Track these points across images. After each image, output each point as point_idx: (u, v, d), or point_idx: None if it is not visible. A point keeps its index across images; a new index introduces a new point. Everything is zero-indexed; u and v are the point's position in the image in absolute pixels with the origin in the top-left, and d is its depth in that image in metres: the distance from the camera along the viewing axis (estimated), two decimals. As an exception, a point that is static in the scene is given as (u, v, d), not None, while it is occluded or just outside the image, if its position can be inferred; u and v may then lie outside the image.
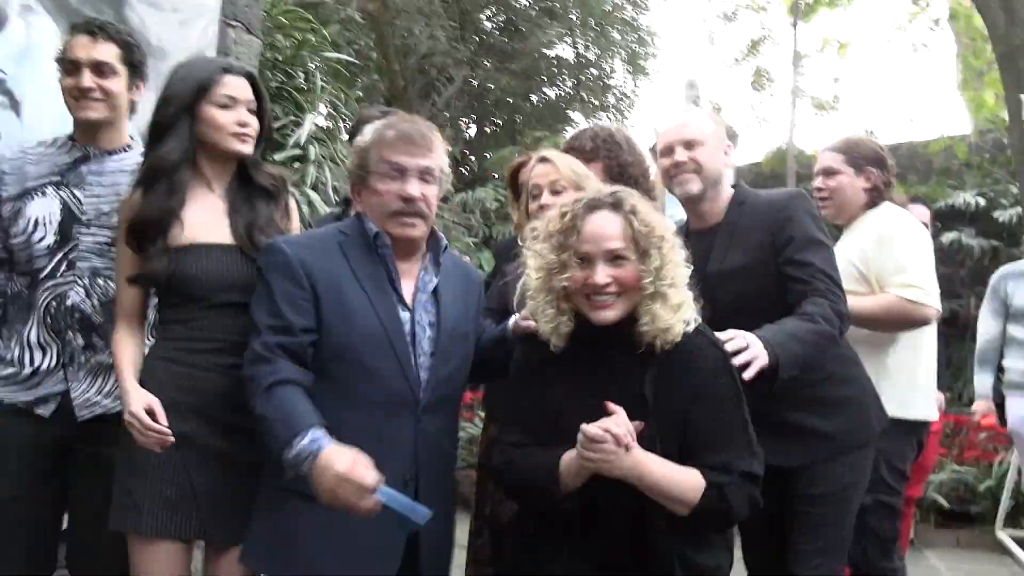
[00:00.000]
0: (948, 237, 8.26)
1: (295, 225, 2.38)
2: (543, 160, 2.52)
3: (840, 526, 2.42)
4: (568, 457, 1.80)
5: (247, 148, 2.20)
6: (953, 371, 8.20)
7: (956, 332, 8.39)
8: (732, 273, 2.23)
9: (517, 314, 2.18)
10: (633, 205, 1.84)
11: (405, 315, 1.99)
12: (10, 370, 2.29)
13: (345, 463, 1.70)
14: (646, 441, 1.77)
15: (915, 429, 2.96)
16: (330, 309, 1.90)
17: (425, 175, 1.97)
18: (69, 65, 2.31)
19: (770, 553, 2.50)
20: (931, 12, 13.10)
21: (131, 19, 3.16)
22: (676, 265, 1.83)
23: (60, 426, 2.27)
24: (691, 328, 1.85)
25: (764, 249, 2.34)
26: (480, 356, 2.16)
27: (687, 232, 2.50)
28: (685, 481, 1.78)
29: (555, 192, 2.44)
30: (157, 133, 2.17)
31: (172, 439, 1.97)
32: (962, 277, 8.66)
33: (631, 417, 1.77)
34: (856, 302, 2.61)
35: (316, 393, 1.88)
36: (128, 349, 2.13)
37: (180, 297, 2.12)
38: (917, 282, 2.74)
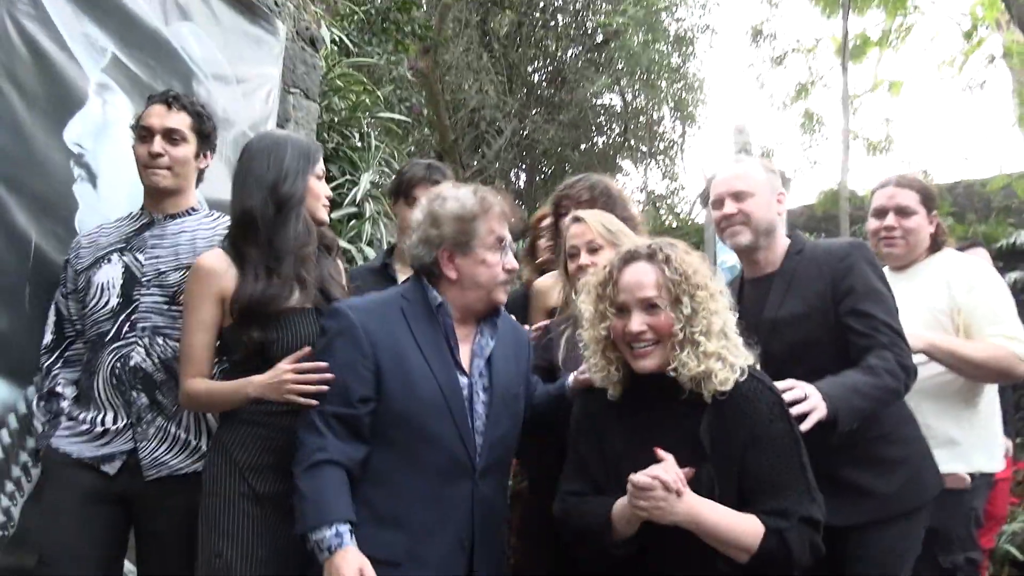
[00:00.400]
0: (1011, 277, 8.05)
1: (341, 274, 2.45)
2: (577, 220, 2.56)
3: None
4: (620, 504, 1.84)
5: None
6: (1023, 416, 7.94)
7: (1024, 375, 8.14)
8: (789, 321, 2.21)
9: (565, 370, 2.22)
10: (667, 255, 1.90)
11: (463, 380, 2.05)
12: (83, 427, 2.36)
13: (351, 572, 1.77)
14: (704, 487, 1.80)
15: (993, 481, 2.90)
16: (392, 376, 1.96)
17: (509, 247, 2.09)
18: (143, 132, 2.45)
19: None
20: (985, 49, 12.96)
21: (199, 93, 3.32)
22: (711, 313, 1.87)
23: (127, 481, 2.33)
24: (744, 375, 1.87)
25: (823, 298, 2.32)
26: (539, 414, 2.20)
27: (742, 281, 2.51)
28: (742, 526, 1.79)
29: (592, 251, 2.49)
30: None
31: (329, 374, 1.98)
32: (1027, 318, 8.43)
33: (689, 463, 1.80)
34: (960, 348, 2.60)
35: (377, 456, 1.95)
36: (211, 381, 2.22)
37: (261, 360, 2.16)
38: (1018, 334, 2.69)
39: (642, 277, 1.90)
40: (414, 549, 1.91)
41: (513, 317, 2.39)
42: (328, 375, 1.96)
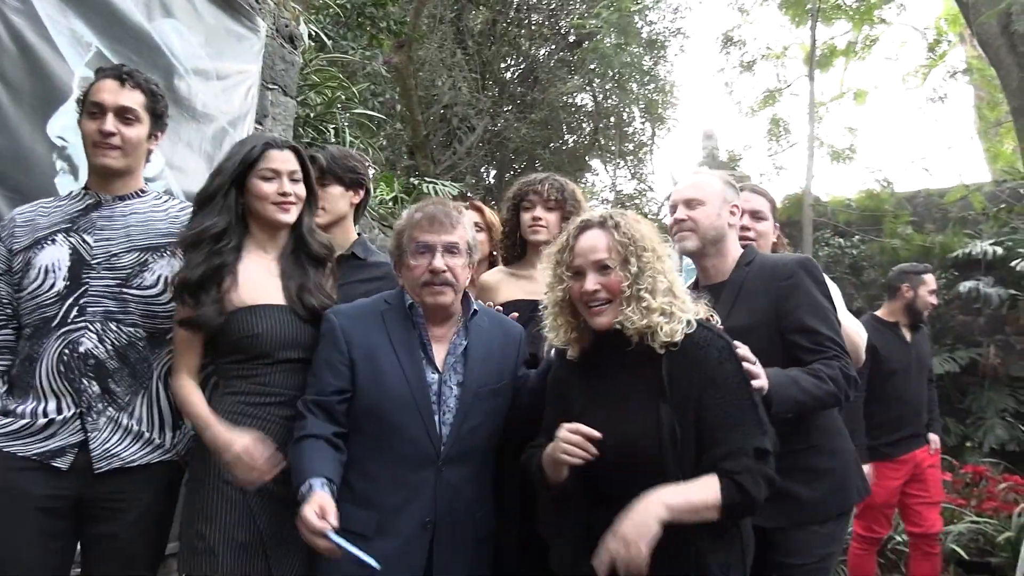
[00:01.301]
0: (966, 286, 8.31)
1: (331, 285, 2.51)
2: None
3: None
4: (548, 450, 2.03)
5: (287, 216, 2.37)
6: (973, 420, 8.20)
7: (976, 380, 8.41)
8: (736, 332, 2.24)
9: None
10: (617, 222, 2.08)
11: (433, 376, 2.25)
12: (22, 422, 2.22)
13: (308, 511, 1.97)
14: (665, 429, 1.94)
15: None
16: (364, 373, 2.21)
17: (451, 249, 2.25)
18: (93, 108, 2.29)
19: None
20: (949, 62, 13.28)
21: (180, 88, 3.36)
22: (657, 272, 2.04)
23: (75, 479, 2.22)
24: (693, 327, 2.03)
25: (767, 313, 2.41)
26: (531, 404, 2.31)
27: (696, 287, 2.62)
28: (703, 489, 1.88)
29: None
30: (202, 203, 2.34)
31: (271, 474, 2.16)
32: (980, 325, 8.68)
33: (646, 407, 1.97)
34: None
35: (352, 445, 2.20)
36: (199, 395, 2.28)
37: (244, 354, 2.28)
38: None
39: (595, 242, 2.07)
40: (383, 525, 2.15)
41: (506, 318, 2.53)
42: (276, 469, 2.17)
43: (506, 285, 3.00)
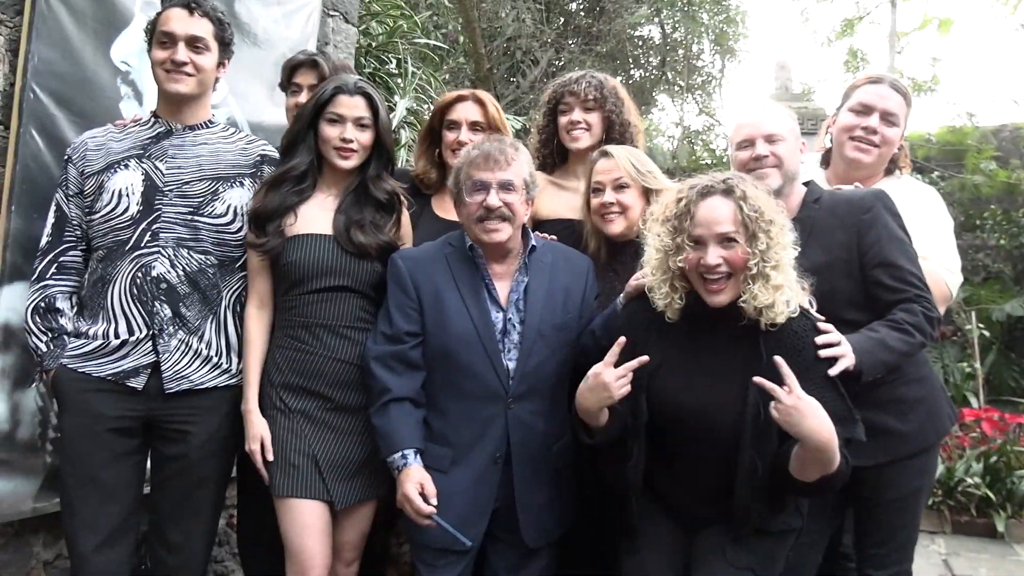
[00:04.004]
0: (1052, 223, 7.91)
1: (404, 233, 2.54)
2: (605, 155, 2.56)
3: (913, 527, 2.46)
4: (579, 392, 2.04)
5: (346, 163, 2.38)
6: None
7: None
8: (811, 270, 2.16)
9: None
10: (744, 191, 1.96)
11: (497, 315, 2.28)
12: (95, 343, 2.30)
13: (412, 491, 2.14)
14: (750, 409, 1.90)
15: None
16: (431, 315, 2.26)
17: (506, 186, 2.23)
18: (163, 38, 2.33)
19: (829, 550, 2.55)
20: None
21: (240, 12, 3.33)
22: (782, 248, 1.94)
23: (146, 400, 2.31)
24: (796, 312, 1.96)
25: (848, 249, 2.32)
26: (599, 338, 2.28)
27: None
28: (835, 442, 1.84)
29: (618, 188, 2.50)
30: (289, 146, 2.41)
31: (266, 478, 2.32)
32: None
33: (740, 384, 1.91)
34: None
35: (428, 383, 2.31)
36: (258, 342, 2.38)
37: (286, 283, 2.36)
38: (952, 266, 2.63)
39: (719, 212, 1.96)
40: (457, 459, 2.26)
41: (572, 250, 2.49)
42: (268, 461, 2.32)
43: (548, 197, 2.83)
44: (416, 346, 2.27)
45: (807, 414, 1.77)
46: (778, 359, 1.84)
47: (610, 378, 1.97)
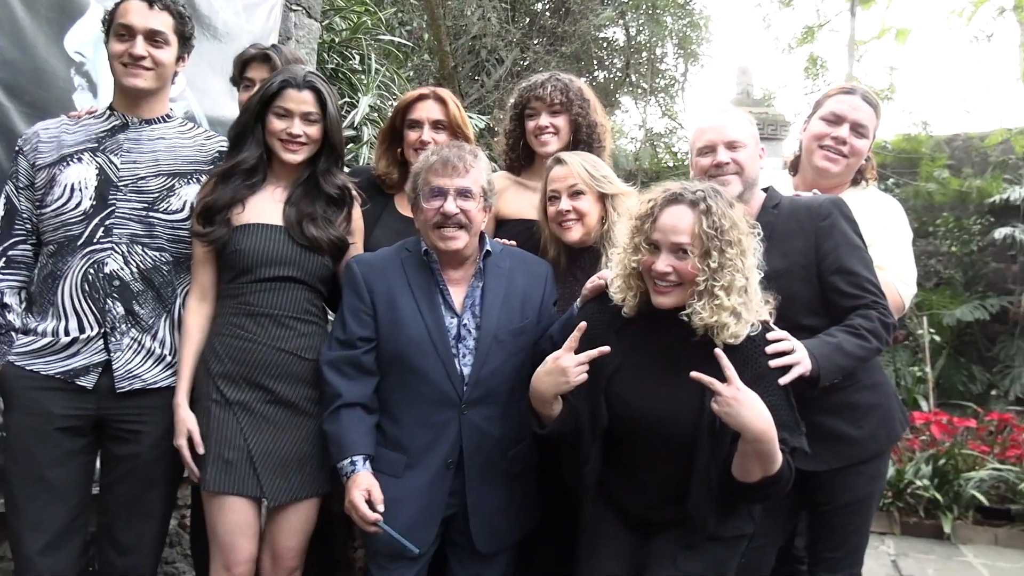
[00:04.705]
0: (1001, 232, 8.12)
1: (355, 228, 2.51)
2: (559, 162, 2.55)
3: (865, 531, 2.50)
4: (538, 378, 2.06)
5: (292, 157, 2.35)
6: (1000, 368, 8.10)
7: (1005, 329, 8.28)
8: (770, 276, 2.15)
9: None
10: (710, 206, 1.94)
11: (452, 321, 2.28)
12: (44, 340, 2.24)
13: (358, 498, 2.13)
14: (707, 415, 1.91)
15: None
16: (385, 320, 2.26)
17: (464, 193, 2.23)
18: (121, 30, 2.28)
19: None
20: (996, 1, 12.76)
21: (200, 5, 3.28)
22: (737, 270, 1.93)
23: (96, 399, 2.26)
24: (757, 330, 1.97)
25: (806, 255, 2.33)
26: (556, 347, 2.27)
27: None
28: (776, 444, 1.87)
29: (574, 194, 2.50)
30: (237, 139, 2.37)
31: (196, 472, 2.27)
32: (1014, 273, 8.52)
33: (696, 392, 1.91)
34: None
35: (380, 389, 2.30)
36: (195, 334, 2.33)
37: (232, 272, 2.32)
38: (907, 278, 2.67)
39: (679, 221, 1.97)
40: (411, 465, 2.25)
41: (531, 255, 2.48)
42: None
43: (512, 195, 2.83)
44: (369, 351, 2.26)
45: (746, 404, 1.81)
46: (718, 351, 1.86)
47: (569, 363, 1.99)
